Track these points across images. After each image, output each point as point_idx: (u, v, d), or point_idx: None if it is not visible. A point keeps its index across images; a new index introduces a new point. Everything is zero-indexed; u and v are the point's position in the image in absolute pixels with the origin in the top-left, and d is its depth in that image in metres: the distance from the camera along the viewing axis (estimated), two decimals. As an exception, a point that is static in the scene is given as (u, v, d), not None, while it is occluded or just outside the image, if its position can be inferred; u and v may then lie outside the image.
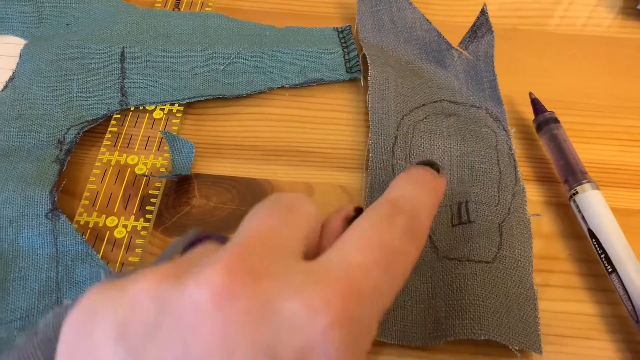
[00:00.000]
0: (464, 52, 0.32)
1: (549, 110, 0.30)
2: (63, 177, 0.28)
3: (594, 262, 0.26)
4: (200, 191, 0.29)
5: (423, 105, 0.31)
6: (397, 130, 0.30)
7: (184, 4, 0.37)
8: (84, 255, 0.26)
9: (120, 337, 0.14)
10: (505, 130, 0.30)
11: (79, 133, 0.30)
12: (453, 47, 0.33)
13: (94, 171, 0.29)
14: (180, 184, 0.29)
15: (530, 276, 0.25)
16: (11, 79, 0.31)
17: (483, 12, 0.32)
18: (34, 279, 0.25)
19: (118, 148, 0.30)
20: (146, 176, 0.29)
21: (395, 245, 0.17)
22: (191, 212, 0.28)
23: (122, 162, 0.29)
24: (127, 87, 0.32)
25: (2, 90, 0.31)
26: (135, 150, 0.30)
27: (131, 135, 0.30)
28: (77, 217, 0.27)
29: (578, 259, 0.27)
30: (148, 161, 0.29)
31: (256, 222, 0.17)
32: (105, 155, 0.30)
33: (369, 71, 0.32)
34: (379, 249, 0.17)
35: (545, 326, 0.24)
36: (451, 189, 0.28)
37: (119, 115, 0.31)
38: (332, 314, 0.14)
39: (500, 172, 0.28)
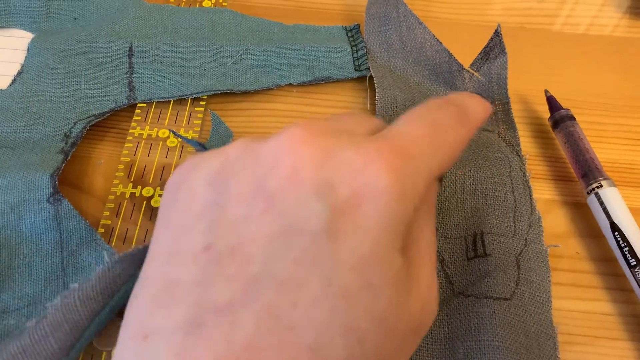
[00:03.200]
0: (475, 73, 0.31)
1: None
2: (67, 168, 0.28)
3: (609, 260, 0.26)
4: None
5: None
6: None
7: (197, 3, 0.37)
8: (89, 240, 0.25)
9: (211, 180, 0.18)
10: (519, 156, 0.29)
11: (85, 127, 0.29)
12: (464, 69, 0.32)
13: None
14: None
15: (550, 313, 0.24)
16: (19, 73, 0.31)
17: (497, 33, 0.31)
18: (39, 265, 0.25)
19: (148, 122, 0.31)
20: (175, 134, 0.29)
21: (442, 122, 0.20)
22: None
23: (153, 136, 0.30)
24: (134, 82, 0.31)
25: (11, 85, 0.31)
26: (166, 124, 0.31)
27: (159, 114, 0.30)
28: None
29: (591, 257, 0.27)
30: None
31: (335, 116, 0.21)
32: (136, 129, 0.30)
33: (376, 94, 0.31)
34: (426, 124, 0.19)
35: (556, 325, 0.24)
36: (465, 219, 0.27)
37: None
38: (382, 162, 0.17)
39: (515, 201, 0.27)
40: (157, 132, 0.30)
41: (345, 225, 0.16)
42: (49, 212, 0.25)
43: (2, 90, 0.30)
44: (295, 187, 0.16)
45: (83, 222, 0.25)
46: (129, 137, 0.30)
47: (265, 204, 0.17)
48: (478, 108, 0.23)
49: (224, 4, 0.37)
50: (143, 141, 0.30)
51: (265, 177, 0.17)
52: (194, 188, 0.18)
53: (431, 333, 0.24)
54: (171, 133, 0.30)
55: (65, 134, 0.29)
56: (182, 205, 0.18)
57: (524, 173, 0.28)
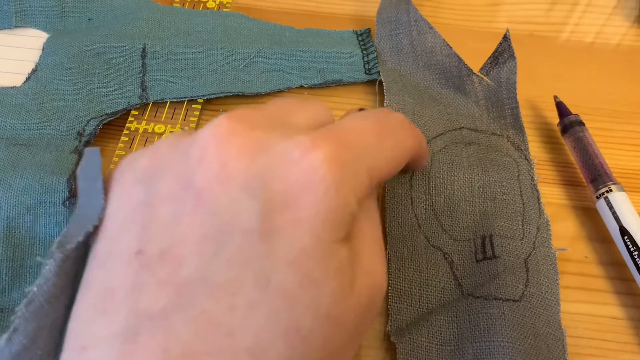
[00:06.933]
0: (485, 78, 0.32)
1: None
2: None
3: (618, 264, 0.26)
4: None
5: (442, 134, 0.30)
6: None
7: (201, 5, 0.37)
8: None
9: (141, 179, 0.17)
10: (527, 160, 0.29)
11: (98, 125, 0.30)
12: (474, 73, 0.32)
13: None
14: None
15: (558, 315, 0.24)
16: (34, 71, 0.31)
17: (505, 38, 0.31)
18: None
19: (145, 117, 0.31)
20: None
21: (389, 125, 0.20)
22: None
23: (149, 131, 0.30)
24: (147, 83, 0.32)
25: (25, 82, 0.31)
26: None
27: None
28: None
29: (600, 261, 0.27)
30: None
31: (269, 104, 0.20)
32: (133, 123, 0.31)
33: (385, 100, 0.31)
34: (373, 121, 0.19)
35: (565, 327, 0.24)
36: (474, 222, 0.27)
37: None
38: (319, 151, 0.16)
39: (523, 204, 0.27)
40: (153, 127, 0.31)
41: (280, 220, 0.15)
42: (64, 215, 0.26)
43: (16, 87, 0.31)
44: (223, 183, 0.16)
45: None
46: (125, 132, 0.30)
47: (194, 202, 0.16)
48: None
49: (227, 5, 0.37)
50: (139, 135, 0.30)
51: (193, 172, 0.16)
52: (125, 187, 0.18)
53: (440, 334, 0.24)
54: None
55: (78, 132, 0.29)
56: (115, 207, 0.18)
57: (532, 177, 0.28)
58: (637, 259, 0.24)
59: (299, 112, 0.19)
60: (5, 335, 0.17)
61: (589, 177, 0.28)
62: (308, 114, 0.19)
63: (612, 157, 0.30)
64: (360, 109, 0.22)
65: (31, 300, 0.17)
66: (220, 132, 0.16)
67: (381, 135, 0.19)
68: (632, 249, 0.25)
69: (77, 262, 0.18)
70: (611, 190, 0.26)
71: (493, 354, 0.23)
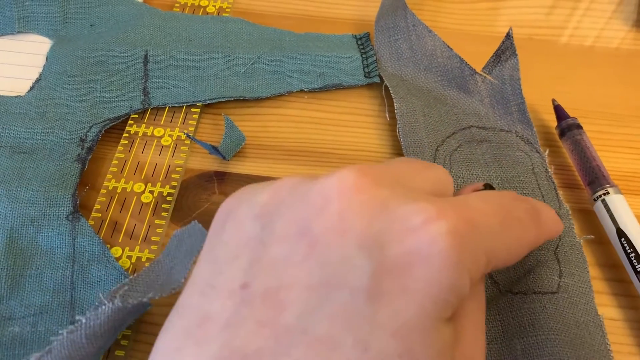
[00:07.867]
0: (487, 76, 0.32)
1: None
2: (85, 179, 0.29)
3: (615, 266, 0.27)
4: (219, 188, 0.29)
5: (453, 133, 0.30)
6: (435, 163, 0.29)
7: (201, 10, 0.37)
8: (100, 256, 0.26)
9: (258, 214, 0.17)
10: (539, 153, 0.29)
11: (100, 131, 0.30)
12: (477, 73, 0.32)
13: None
14: (200, 181, 0.29)
15: (593, 302, 0.25)
16: (37, 80, 0.32)
17: (508, 36, 0.32)
18: (49, 277, 0.25)
19: (145, 121, 0.32)
20: (189, 137, 0.30)
21: (514, 213, 0.19)
22: (210, 209, 0.28)
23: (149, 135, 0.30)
24: (149, 88, 0.32)
25: (29, 91, 0.31)
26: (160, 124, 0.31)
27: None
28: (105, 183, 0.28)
29: (598, 263, 0.27)
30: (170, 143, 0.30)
31: (394, 162, 0.19)
32: (132, 127, 0.31)
33: (395, 104, 0.31)
34: (498, 206, 0.18)
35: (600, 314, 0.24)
36: None
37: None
38: (444, 223, 0.15)
39: (543, 197, 0.28)
40: (153, 130, 0.31)
41: (389, 285, 0.15)
42: (66, 228, 0.26)
43: (20, 96, 0.31)
44: (339, 236, 0.15)
45: (97, 239, 0.26)
46: (124, 134, 0.31)
47: (308, 249, 0.16)
48: (553, 218, 0.21)
49: (227, 10, 0.37)
50: (138, 139, 0.31)
51: (312, 219, 0.16)
52: (240, 221, 0.17)
53: (487, 334, 0.24)
54: (184, 135, 0.30)
55: (81, 138, 0.30)
56: (227, 238, 0.17)
57: (546, 169, 0.29)
58: (634, 261, 0.25)
59: (422, 175, 0.19)
60: (37, 354, 0.18)
61: (587, 180, 0.28)
62: (431, 179, 0.19)
63: (609, 159, 0.31)
64: (485, 186, 0.22)
65: (74, 330, 0.18)
66: (346, 184, 0.16)
67: (505, 222, 0.18)
68: (629, 251, 0.25)
69: (131, 315, 0.19)
70: (608, 193, 0.27)
71: (542, 347, 0.23)
